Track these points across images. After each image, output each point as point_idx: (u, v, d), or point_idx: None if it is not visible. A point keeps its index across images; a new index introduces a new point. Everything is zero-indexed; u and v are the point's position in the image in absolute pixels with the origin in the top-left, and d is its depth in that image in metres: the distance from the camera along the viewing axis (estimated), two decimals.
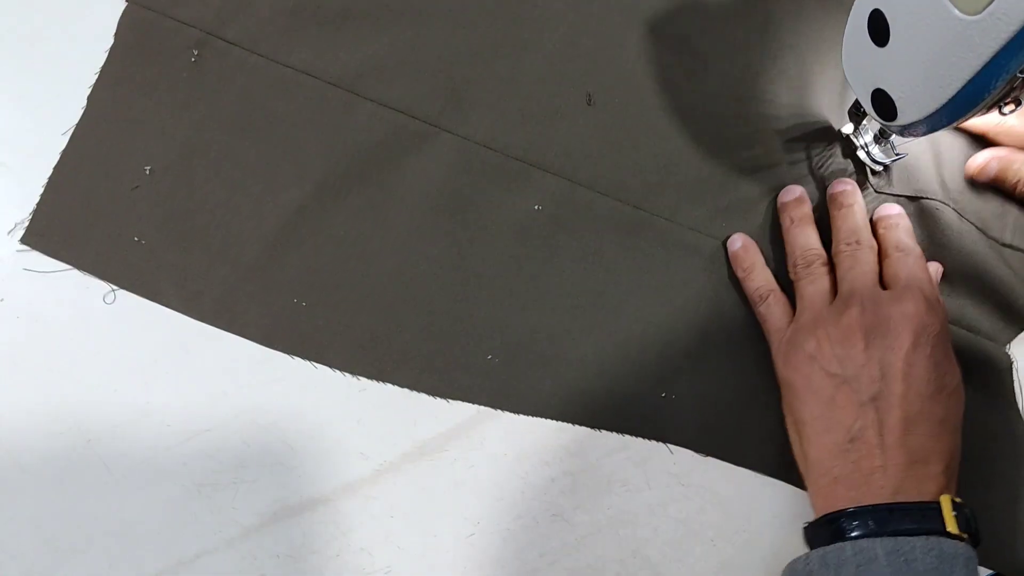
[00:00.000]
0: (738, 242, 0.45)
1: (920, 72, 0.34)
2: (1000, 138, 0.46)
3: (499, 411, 0.43)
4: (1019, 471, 0.43)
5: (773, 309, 0.43)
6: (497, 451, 0.43)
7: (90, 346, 0.43)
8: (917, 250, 0.43)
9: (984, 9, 0.30)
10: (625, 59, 0.47)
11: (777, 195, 0.46)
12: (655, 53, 0.47)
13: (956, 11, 0.31)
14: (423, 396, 0.43)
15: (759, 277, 0.44)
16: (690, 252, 0.45)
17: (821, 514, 0.38)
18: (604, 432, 0.43)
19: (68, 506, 0.41)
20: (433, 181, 0.44)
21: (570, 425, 0.44)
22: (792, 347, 0.41)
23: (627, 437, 0.43)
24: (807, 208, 0.45)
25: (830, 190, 0.45)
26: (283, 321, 0.43)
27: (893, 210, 0.44)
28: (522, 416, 0.43)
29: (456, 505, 0.42)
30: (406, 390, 0.43)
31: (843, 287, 0.42)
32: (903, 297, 0.40)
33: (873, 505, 0.36)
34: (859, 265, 0.42)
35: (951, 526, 0.36)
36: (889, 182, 0.46)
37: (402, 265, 0.44)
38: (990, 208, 0.46)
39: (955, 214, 0.46)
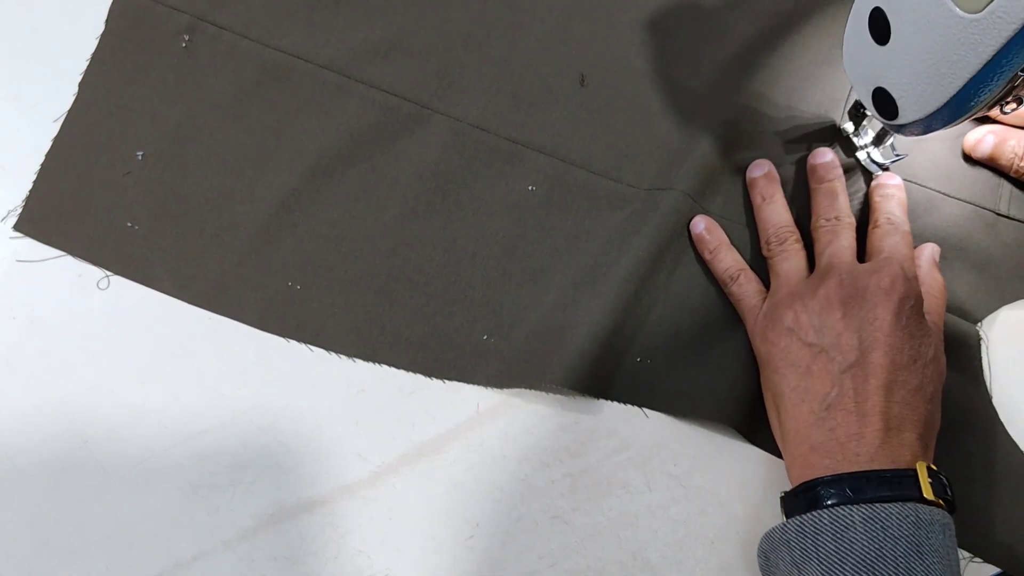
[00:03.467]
0: (700, 224, 0.45)
1: (921, 71, 0.34)
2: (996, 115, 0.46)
3: (498, 412, 0.43)
4: (985, 446, 0.43)
5: (745, 288, 0.43)
6: (497, 453, 0.43)
7: (86, 347, 0.43)
8: (905, 226, 0.43)
9: (985, 7, 0.30)
10: (618, 42, 0.47)
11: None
12: (647, 37, 0.47)
13: (957, 9, 0.31)
14: (422, 397, 0.43)
15: (727, 258, 0.44)
16: (681, 232, 0.45)
17: (798, 483, 0.39)
18: (604, 433, 0.43)
19: (64, 508, 0.41)
20: (426, 163, 0.44)
21: (571, 426, 0.43)
22: (769, 321, 0.41)
23: (627, 437, 0.43)
24: (777, 184, 0.45)
25: (811, 160, 0.45)
26: (277, 304, 0.43)
27: (892, 180, 0.45)
28: (522, 416, 0.43)
29: (455, 507, 0.42)
30: (406, 390, 0.43)
31: (821, 261, 0.42)
32: (881, 269, 0.40)
33: (849, 473, 0.37)
34: (838, 240, 0.42)
35: (927, 492, 0.36)
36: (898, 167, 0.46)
37: (396, 246, 0.44)
38: (984, 179, 0.46)
39: (941, 196, 0.46)
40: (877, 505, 0.35)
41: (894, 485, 0.36)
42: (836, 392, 0.38)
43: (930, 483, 0.36)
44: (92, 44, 0.45)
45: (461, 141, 0.45)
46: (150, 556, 0.41)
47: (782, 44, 0.47)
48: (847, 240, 0.42)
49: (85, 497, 0.41)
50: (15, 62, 0.46)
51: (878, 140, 0.45)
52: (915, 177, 0.46)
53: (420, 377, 0.43)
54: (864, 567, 0.34)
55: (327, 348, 0.43)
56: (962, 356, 0.44)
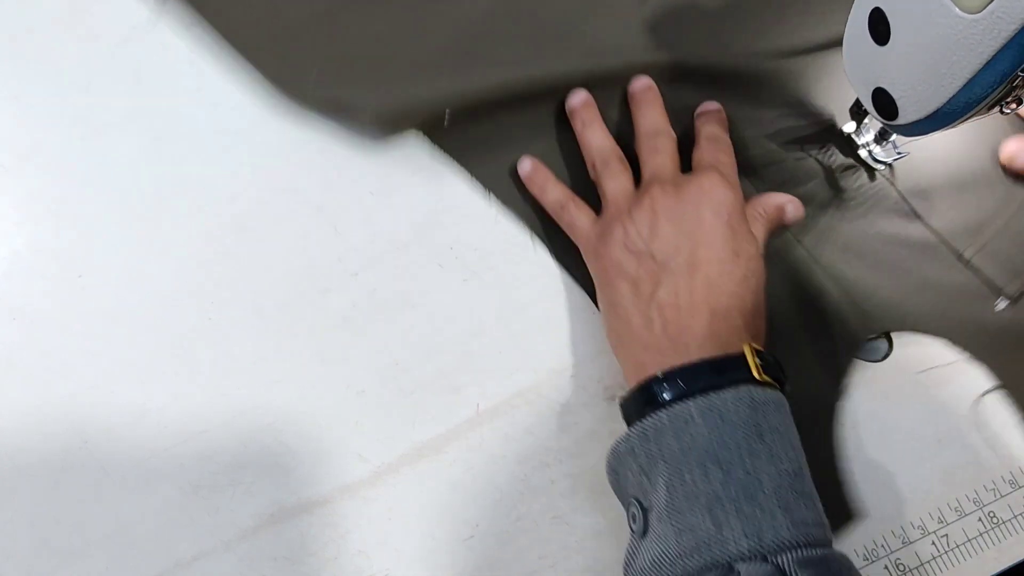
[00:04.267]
0: (527, 163, 0.45)
1: (921, 71, 0.34)
2: None
3: (498, 412, 0.43)
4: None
5: (576, 214, 0.44)
6: (496, 453, 0.43)
7: (86, 347, 0.43)
8: (726, 139, 0.44)
9: (985, 8, 0.30)
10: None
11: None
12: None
13: (957, 10, 0.31)
14: (422, 397, 0.43)
15: (553, 190, 0.45)
16: None
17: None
18: (604, 433, 0.43)
19: (64, 508, 0.41)
20: None
21: (571, 426, 0.43)
22: (600, 239, 0.42)
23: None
24: (595, 109, 0.45)
25: (629, 88, 0.46)
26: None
27: (712, 105, 0.46)
28: (522, 417, 0.43)
29: (455, 507, 0.42)
30: (405, 391, 0.43)
31: (645, 174, 0.43)
32: (700, 175, 0.41)
33: (681, 365, 0.37)
34: (659, 154, 0.43)
35: (756, 373, 0.37)
36: (892, 179, 0.46)
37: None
38: (965, 219, 0.46)
39: (915, 216, 0.46)
40: (712, 395, 0.36)
41: (725, 370, 0.37)
42: (664, 291, 0.39)
43: (759, 364, 0.37)
44: (92, 44, 0.45)
45: None
46: (150, 556, 0.41)
47: (788, 58, 0.47)
48: (668, 153, 0.43)
49: (85, 497, 0.41)
50: (15, 62, 0.46)
51: (879, 139, 0.45)
52: (900, 181, 0.46)
53: (421, 377, 0.43)
54: (708, 457, 0.35)
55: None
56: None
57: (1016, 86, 0.33)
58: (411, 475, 0.42)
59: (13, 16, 0.47)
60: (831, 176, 0.46)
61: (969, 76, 0.32)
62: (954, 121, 0.35)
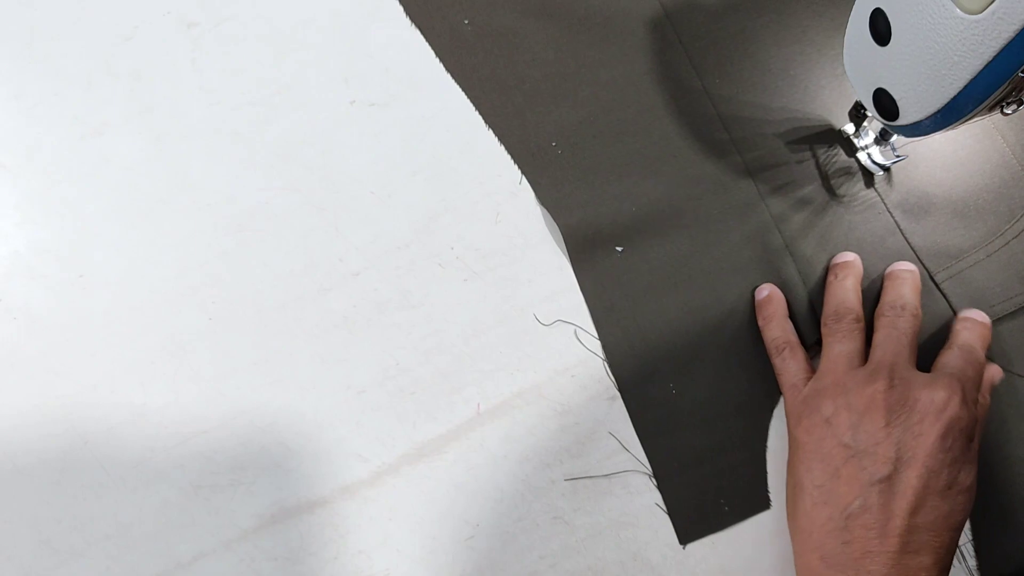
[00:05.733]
0: (765, 291, 0.44)
1: (922, 71, 0.34)
2: None
3: (499, 412, 0.43)
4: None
5: (789, 363, 0.42)
6: (497, 453, 0.43)
7: (86, 347, 0.43)
8: (982, 356, 0.41)
9: (985, 8, 0.30)
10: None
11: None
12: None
13: (958, 10, 0.31)
14: (422, 397, 0.43)
15: (777, 327, 0.43)
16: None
17: None
18: (604, 433, 0.43)
19: (65, 508, 0.41)
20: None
21: (571, 426, 0.43)
22: (808, 408, 0.40)
23: (627, 437, 0.43)
24: (855, 271, 0.43)
25: (888, 268, 0.44)
26: None
27: (980, 316, 0.43)
28: (523, 417, 0.43)
29: (455, 507, 0.42)
30: (406, 391, 0.43)
31: (875, 354, 0.40)
32: (937, 383, 0.38)
33: None
34: (897, 334, 0.40)
35: None
36: (887, 187, 0.46)
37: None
38: (948, 242, 0.45)
39: (900, 234, 0.45)
40: None
41: None
42: (859, 504, 0.36)
43: None
44: (92, 44, 0.45)
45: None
46: (150, 556, 0.41)
47: (788, 59, 0.47)
48: (907, 336, 0.40)
49: (85, 497, 0.41)
50: (15, 62, 0.46)
51: (879, 141, 0.45)
52: (895, 190, 0.46)
53: (421, 377, 0.43)
54: None
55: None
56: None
57: (1017, 87, 0.33)
58: (411, 475, 0.42)
59: (14, 16, 0.47)
60: (827, 181, 0.46)
61: (970, 77, 0.32)
62: (955, 122, 0.35)
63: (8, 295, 0.43)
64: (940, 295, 0.45)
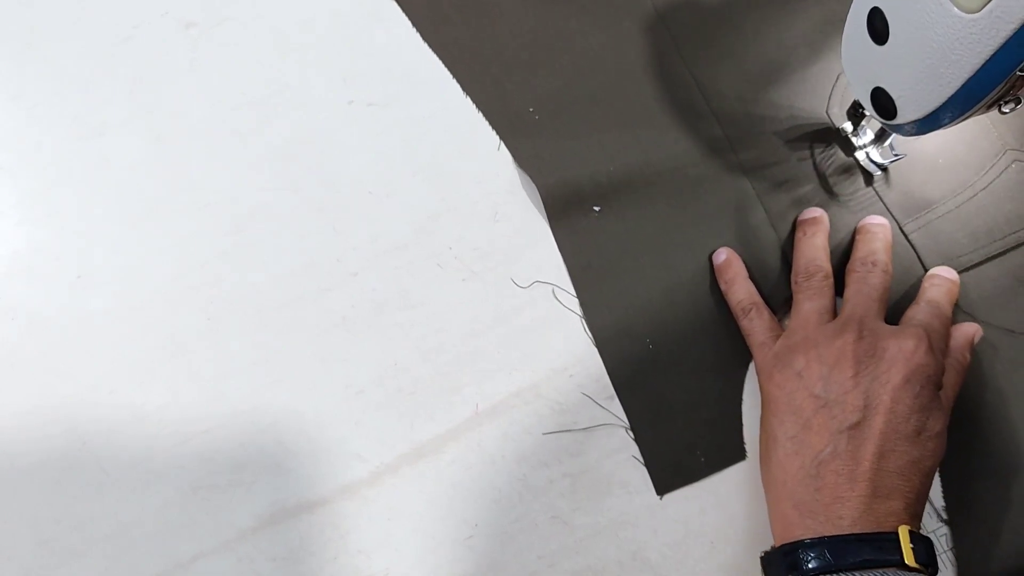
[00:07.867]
0: (723, 255, 0.44)
1: (919, 70, 0.34)
2: None
3: (497, 412, 0.43)
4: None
5: (756, 323, 0.43)
6: (496, 453, 0.43)
7: (86, 347, 0.43)
8: (948, 313, 0.42)
9: (983, 7, 0.30)
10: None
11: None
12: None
13: (955, 9, 0.31)
14: (421, 397, 0.43)
15: (740, 290, 0.43)
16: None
17: (779, 542, 0.38)
18: (604, 433, 0.43)
19: (64, 508, 0.41)
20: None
21: (570, 426, 0.43)
22: (780, 363, 0.40)
23: (627, 437, 0.43)
24: (823, 227, 0.44)
25: (860, 222, 0.44)
26: None
27: (951, 275, 0.43)
28: (521, 417, 0.43)
29: (454, 507, 0.42)
30: (405, 391, 0.43)
31: (845, 309, 0.41)
32: (905, 333, 0.39)
33: (831, 536, 0.36)
34: (867, 289, 0.41)
35: (908, 558, 0.35)
36: (887, 183, 0.46)
37: None
38: (920, 194, 0.45)
39: (894, 226, 0.45)
40: (857, 573, 0.34)
41: (875, 549, 0.35)
42: (830, 451, 0.37)
43: (912, 548, 0.35)
44: (92, 44, 0.45)
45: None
46: (149, 556, 0.41)
47: (788, 58, 0.47)
48: (877, 291, 0.41)
49: (84, 497, 0.41)
50: (15, 62, 0.46)
51: (877, 140, 0.45)
52: (893, 190, 0.46)
53: (420, 377, 0.44)
54: None
55: None
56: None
57: (1015, 85, 0.33)
58: (411, 475, 0.42)
59: (13, 16, 0.47)
60: (826, 181, 0.46)
61: (968, 76, 0.32)
62: (953, 120, 0.35)
63: (8, 295, 0.43)
64: (909, 245, 0.45)
